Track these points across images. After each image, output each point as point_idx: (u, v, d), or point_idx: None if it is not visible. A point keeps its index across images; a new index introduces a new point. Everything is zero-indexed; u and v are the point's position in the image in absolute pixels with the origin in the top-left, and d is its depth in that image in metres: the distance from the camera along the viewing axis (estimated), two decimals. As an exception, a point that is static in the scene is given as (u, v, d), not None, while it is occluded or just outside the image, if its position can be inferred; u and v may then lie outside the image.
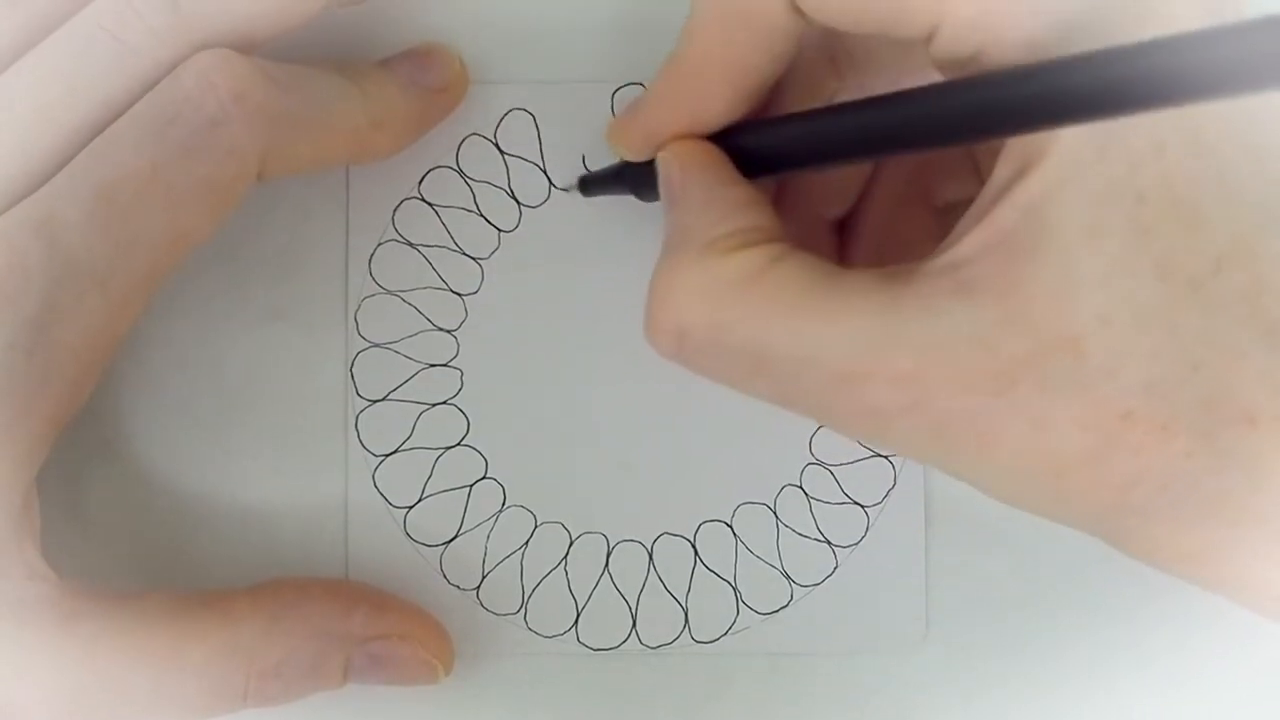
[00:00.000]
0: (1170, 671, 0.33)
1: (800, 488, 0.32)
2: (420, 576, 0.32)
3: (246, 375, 0.32)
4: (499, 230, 0.32)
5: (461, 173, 0.32)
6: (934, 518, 0.33)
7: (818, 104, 0.28)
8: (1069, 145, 0.22)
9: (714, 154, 0.27)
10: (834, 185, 0.30)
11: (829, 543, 0.33)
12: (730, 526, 0.32)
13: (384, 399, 0.32)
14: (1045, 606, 0.33)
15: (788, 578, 0.32)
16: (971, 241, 0.23)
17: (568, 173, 0.32)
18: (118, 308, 0.27)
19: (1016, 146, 0.23)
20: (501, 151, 0.32)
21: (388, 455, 0.32)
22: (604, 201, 0.32)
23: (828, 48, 0.28)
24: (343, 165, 0.32)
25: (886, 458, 0.33)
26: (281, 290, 0.32)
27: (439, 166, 0.32)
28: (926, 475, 0.33)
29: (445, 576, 0.32)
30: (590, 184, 0.32)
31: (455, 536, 0.32)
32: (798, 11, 0.25)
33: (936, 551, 0.33)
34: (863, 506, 0.33)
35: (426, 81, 0.30)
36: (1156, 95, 0.19)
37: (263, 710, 0.29)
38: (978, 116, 0.22)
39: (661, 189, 0.27)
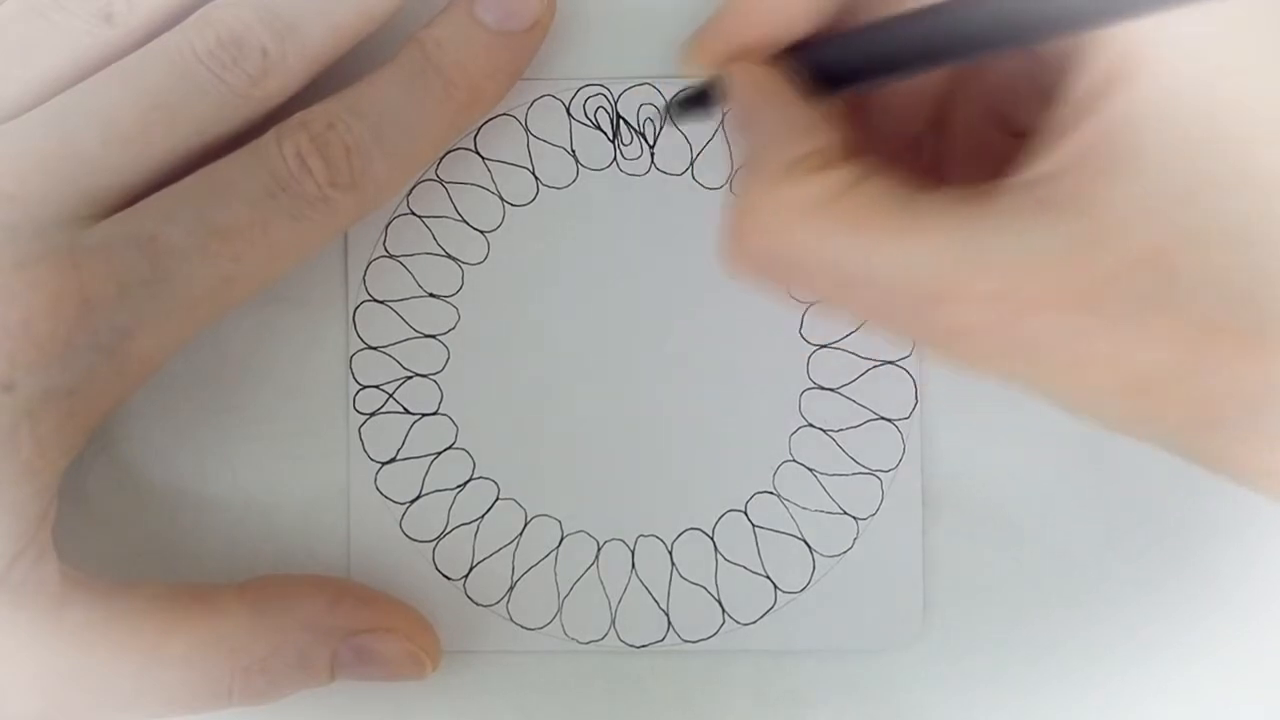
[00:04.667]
0: (1167, 668, 0.32)
1: (799, 470, 0.32)
2: (415, 568, 0.32)
3: (247, 363, 0.33)
4: (484, 233, 0.32)
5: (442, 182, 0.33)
6: (931, 513, 0.32)
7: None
8: (1153, 62, 0.22)
9: (777, 77, 0.27)
10: (908, 103, 0.30)
11: (823, 541, 0.32)
12: (746, 515, 0.32)
13: (382, 408, 0.32)
14: (1042, 601, 0.32)
15: (788, 576, 0.32)
16: (1054, 158, 0.23)
17: (560, 171, 0.32)
18: (196, 328, 0.29)
19: (1097, 63, 0.23)
20: (483, 157, 0.32)
21: (388, 462, 0.32)
22: (593, 197, 0.32)
23: None
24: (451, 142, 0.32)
25: (876, 475, 0.32)
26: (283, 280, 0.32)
27: (425, 180, 0.32)
28: (924, 469, 0.32)
29: (439, 569, 0.32)
30: (678, 107, 0.31)
31: (447, 531, 0.32)
32: None
33: (933, 547, 0.32)
34: (854, 519, 0.32)
35: (511, 25, 0.30)
36: None
37: (251, 708, 0.30)
38: (1068, 8, 0.22)
39: (731, 114, 0.28)
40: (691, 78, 0.30)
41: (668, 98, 0.32)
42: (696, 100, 0.30)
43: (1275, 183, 0.22)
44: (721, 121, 0.32)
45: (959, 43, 0.24)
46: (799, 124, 0.26)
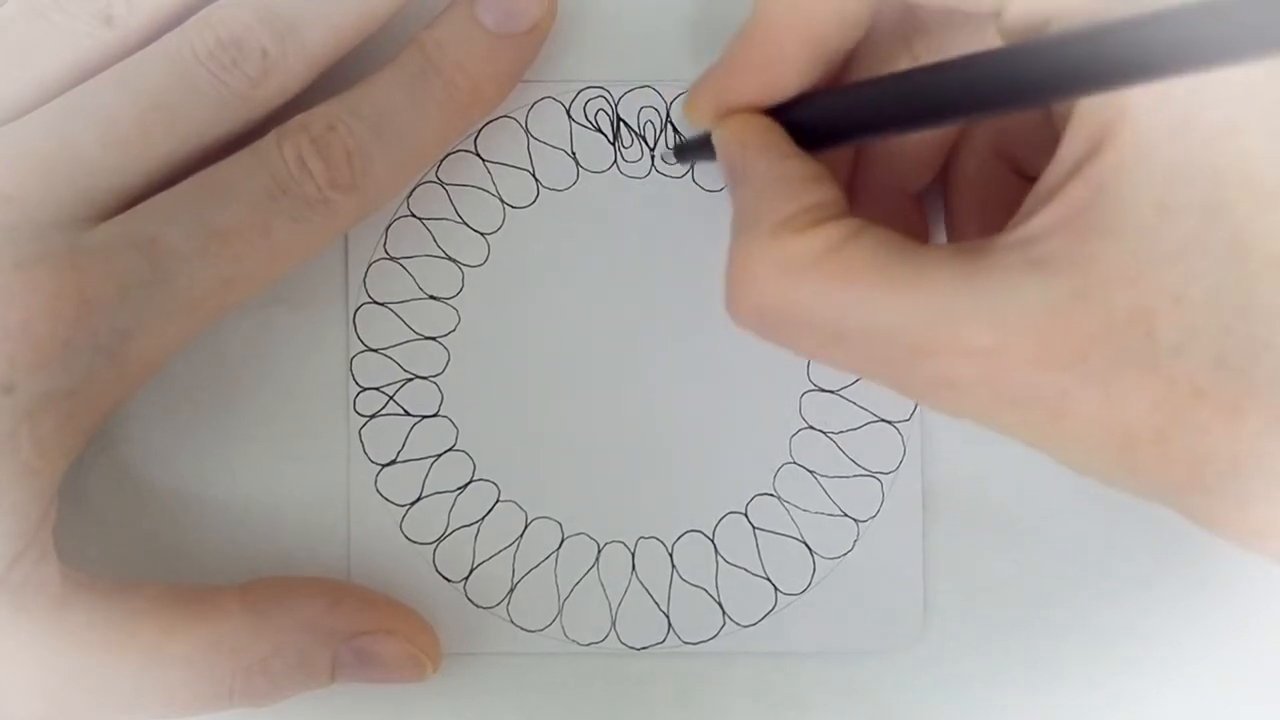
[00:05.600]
0: (1167, 669, 0.32)
1: (800, 472, 0.32)
2: (416, 570, 0.32)
3: (248, 365, 0.33)
4: (484, 235, 0.33)
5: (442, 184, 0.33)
6: (931, 515, 0.32)
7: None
8: (1142, 122, 0.22)
9: (774, 129, 0.27)
10: (913, 159, 0.30)
11: (823, 543, 0.32)
12: (747, 517, 0.32)
13: (382, 410, 0.32)
14: (1042, 603, 0.32)
15: (788, 578, 0.32)
16: (1044, 218, 0.23)
17: (560, 173, 0.32)
18: (196, 329, 0.29)
19: (1087, 122, 0.23)
20: (484, 159, 0.32)
21: (388, 464, 0.32)
22: (594, 199, 0.32)
23: (900, 20, 0.29)
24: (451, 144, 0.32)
25: (877, 477, 0.32)
26: (283, 282, 0.32)
27: (425, 182, 0.33)
28: (925, 472, 0.32)
29: (439, 571, 0.32)
30: (684, 151, 0.32)
31: (447, 533, 0.32)
32: None
33: (933, 549, 0.32)
34: (854, 521, 0.32)
35: (511, 27, 0.30)
36: (1234, 51, 0.19)
37: (252, 710, 0.30)
38: (1048, 77, 0.22)
39: (722, 166, 0.28)
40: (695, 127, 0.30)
41: (670, 141, 0.32)
42: (700, 145, 0.30)
43: (1259, 248, 0.22)
44: (680, 155, 0.32)
45: (940, 106, 0.24)
46: (793, 178, 0.26)
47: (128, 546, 0.32)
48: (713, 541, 0.32)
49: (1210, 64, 0.19)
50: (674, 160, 0.32)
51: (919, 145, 0.30)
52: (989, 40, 0.26)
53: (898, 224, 0.26)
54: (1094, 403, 0.23)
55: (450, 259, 0.32)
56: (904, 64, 0.29)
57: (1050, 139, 0.26)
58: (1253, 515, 0.24)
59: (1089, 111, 0.23)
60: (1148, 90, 0.22)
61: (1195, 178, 0.22)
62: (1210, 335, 0.22)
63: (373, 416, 0.32)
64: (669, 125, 0.32)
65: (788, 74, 0.27)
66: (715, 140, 0.28)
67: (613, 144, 0.32)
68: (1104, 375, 0.23)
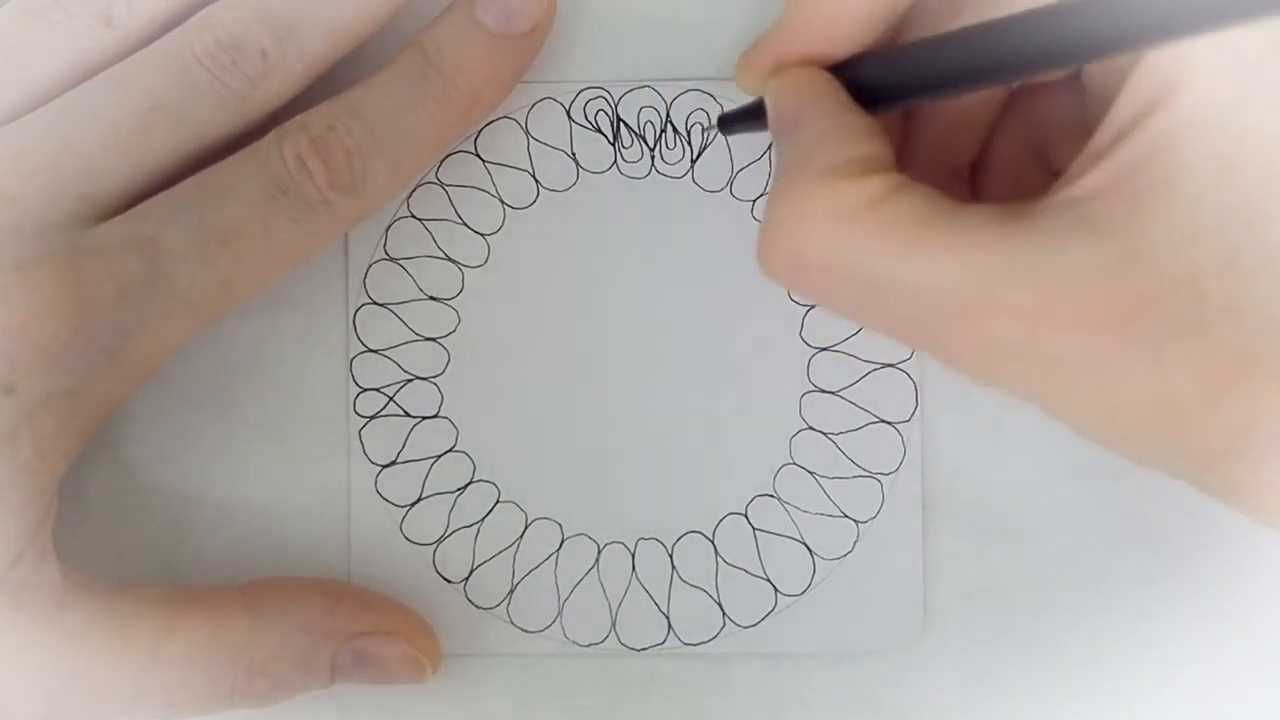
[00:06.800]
0: (1167, 669, 0.32)
1: (800, 473, 0.32)
2: (416, 571, 0.32)
3: (248, 366, 0.33)
4: (484, 235, 0.33)
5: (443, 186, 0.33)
6: (931, 516, 0.32)
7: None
8: (1207, 81, 0.22)
9: (831, 82, 0.27)
10: (960, 131, 0.30)
11: (823, 544, 0.32)
12: (747, 518, 0.32)
13: (382, 410, 0.32)
14: (1043, 603, 0.32)
15: (788, 579, 0.32)
16: (1094, 178, 0.23)
17: (560, 174, 0.32)
18: (196, 330, 0.29)
19: (1144, 82, 0.23)
20: (484, 160, 0.32)
21: (388, 465, 0.32)
22: (594, 200, 0.32)
23: None
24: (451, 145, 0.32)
25: (877, 478, 0.32)
26: (283, 283, 0.32)
27: (425, 182, 0.33)
28: (925, 472, 0.32)
29: (439, 572, 0.32)
30: (729, 122, 0.31)
31: (447, 534, 0.32)
32: None
33: (933, 549, 0.32)
34: (854, 521, 0.32)
35: (511, 29, 0.30)
36: None
37: (252, 711, 0.30)
38: (1115, 27, 0.22)
39: (772, 119, 0.27)
40: (744, 93, 0.30)
41: (718, 112, 0.32)
42: (747, 115, 0.30)
43: None
44: (725, 127, 0.32)
45: (998, 64, 0.24)
46: (846, 129, 0.26)
47: (128, 547, 0.32)
48: (713, 542, 0.32)
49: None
50: (718, 132, 0.32)
51: (965, 117, 0.30)
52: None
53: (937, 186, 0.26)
54: (1139, 368, 0.23)
55: (450, 260, 0.32)
56: (963, 20, 0.28)
57: (1084, 134, 0.26)
58: None
59: (1147, 71, 0.23)
60: (1216, 49, 0.22)
61: (1257, 140, 0.22)
62: (1260, 300, 0.22)
63: (373, 417, 0.32)
64: (669, 124, 0.32)
65: (847, 30, 0.27)
66: (769, 93, 0.28)
67: (613, 144, 0.32)
68: (1152, 340, 0.22)
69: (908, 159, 0.30)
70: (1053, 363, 0.23)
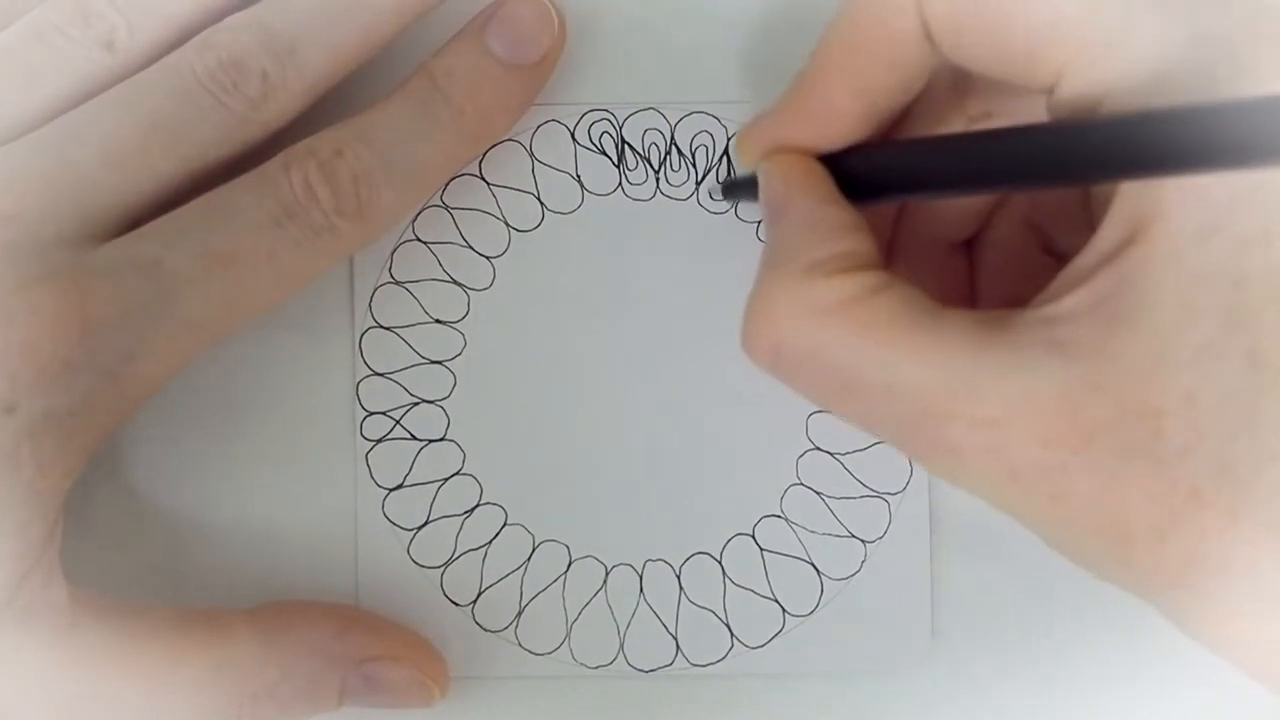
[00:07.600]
0: (1174, 690, 0.32)
1: (807, 493, 0.32)
2: (423, 594, 0.32)
3: (254, 389, 0.33)
4: (489, 258, 0.33)
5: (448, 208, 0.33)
6: (938, 536, 0.32)
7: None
8: (1174, 219, 0.22)
9: (819, 172, 0.27)
10: (958, 210, 0.30)
11: (830, 564, 0.32)
12: (754, 538, 0.32)
13: (389, 434, 0.32)
14: (1050, 624, 0.32)
15: (796, 600, 0.32)
16: (1072, 301, 0.23)
17: (565, 196, 0.33)
18: (198, 351, 0.29)
19: (1125, 212, 0.23)
20: (488, 183, 0.33)
21: (395, 488, 0.32)
22: (599, 222, 0.32)
23: (955, 83, 0.29)
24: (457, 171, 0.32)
25: (884, 498, 0.32)
26: (289, 306, 0.32)
27: (431, 206, 0.33)
28: (932, 492, 0.32)
29: (446, 595, 0.32)
30: (731, 189, 0.32)
31: (454, 557, 0.32)
32: (932, 46, 0.26)
33: (941, 569, 0.32)
34: (862, 541, 0.32)
35: (521, 58, 0.30)
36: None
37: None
38: (1094, 157, 0.22)
39: (763, 202, 0.28)
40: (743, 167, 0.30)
41: (723, 135, 0.32)
42: (748, 184, 0.30)
43: (1275, 360, 0.22)
44: (725, 152, 0.32)
45: (984, 174, 0.25)
46: (830, 223, 0.26)
47: (135, 571, 0.32)
48: (720, 563, 0.32)
49: (1257, 162, 0.20)
50: (720, 197, 0.32)
51: (958, 202, 0.30)
52: (1042, 111, 0.26)
53: (940, 274, 0.27)
54: (1094, 488, 0.23)
55: (456, 283, 0.33)
56: (957, 125, 0.29)
57: (1084, 221, 0.26)
58: (1236, 626, 0.23)
59: (1128, 201, 0.23)
60: (1183, 188, 0.22)
61: (1220, 282, 0.22)
62: (1218, 440, 0.22)
63: (379, 441, 0.32)
64: (674, 146, 0.32)
65: (838, 126, 0.27)
66: (761, 176, 0.28)
67: (617, 166, 0.32)
68: (1107, 464, 0.23)
69: (906, 234, 0.30)
70: (1013, 473, 0.24)
